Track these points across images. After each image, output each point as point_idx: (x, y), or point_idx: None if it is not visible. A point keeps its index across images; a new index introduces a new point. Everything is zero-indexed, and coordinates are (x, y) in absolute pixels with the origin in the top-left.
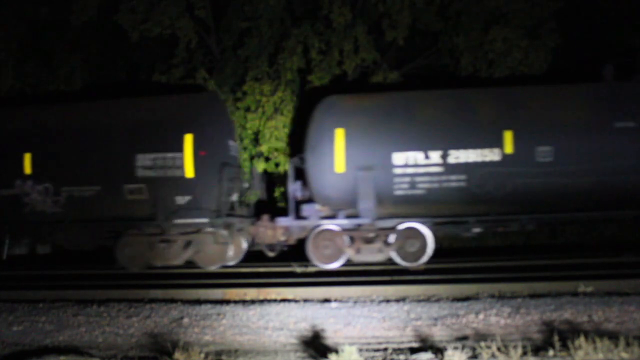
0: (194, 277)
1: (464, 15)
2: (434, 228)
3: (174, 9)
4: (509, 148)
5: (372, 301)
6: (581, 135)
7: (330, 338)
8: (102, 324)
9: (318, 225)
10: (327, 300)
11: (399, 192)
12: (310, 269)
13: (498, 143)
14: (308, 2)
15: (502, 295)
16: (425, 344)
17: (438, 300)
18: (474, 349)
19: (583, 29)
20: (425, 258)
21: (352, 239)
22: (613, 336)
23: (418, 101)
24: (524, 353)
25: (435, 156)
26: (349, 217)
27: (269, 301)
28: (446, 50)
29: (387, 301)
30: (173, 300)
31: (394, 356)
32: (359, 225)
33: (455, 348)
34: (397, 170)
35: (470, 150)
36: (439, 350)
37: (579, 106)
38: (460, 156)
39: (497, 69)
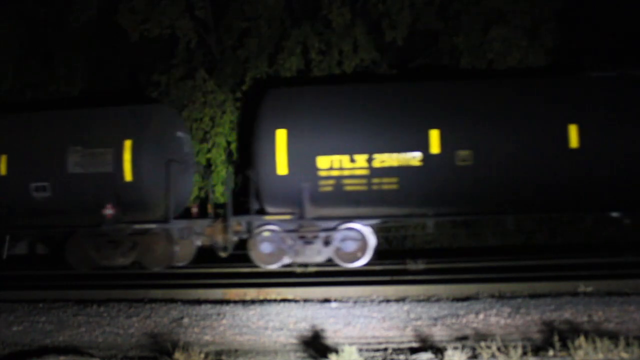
0: (194, 277)
1: (463, 15)
2: None
3: (174, 9)
4: None
5: (372, 301)
6: None
7: (330, 338)
8: (102, 324)
9: None
10: (327, 300)
11: None
12: (310, 269)
13: None
14: (308, 2)
15: (502, 295)
16: (425, 344)
17: (438, 300)
18: (474, 349)
19: (582, 28)
20: None
21: None
22: (613, 336)
23: None
24: (524, 353)
25: None
26: None
27: (269, 301)
28: (446, 50)
29: (387, 301)
30: (173, 300)
31: (394, 356)
32: None
33: (455, 348)
34: None
35: None
36: (439, 350)
37: None
38: None
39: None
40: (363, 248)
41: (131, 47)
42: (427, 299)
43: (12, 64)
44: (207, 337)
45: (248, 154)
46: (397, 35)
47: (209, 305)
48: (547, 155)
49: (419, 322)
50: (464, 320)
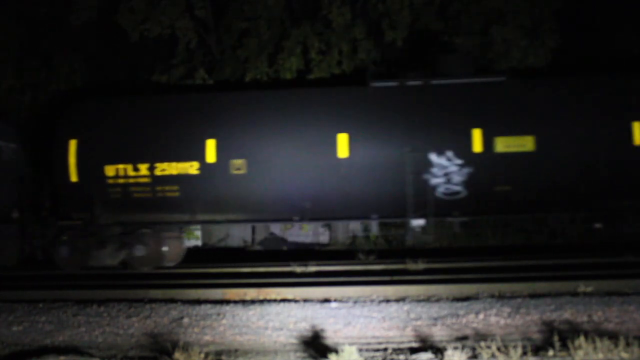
0: (194, 277)
1: (464, 15)
2: None
3: (174, 9)
4: None
5: (372, 301)
6: None
7: (330, 338)
8: (102, 324)
9: None
10: (327, 300)
11: None
12: (310, 269)
13: None
14: (308, 2)
15: (502, 295)
16: (425, 344)
17: (438, 300)
18: (474, 349)
19: (583, 28)
20: None
21: None
22: (613, 336)
23: None
24: (524, 353)
25: None
26: None
27: (269, 301)
28: (446, 50)
29: (387, 301)
30: (173, 300)
31: (394, 356)
32: None
33: (455, 348)
34: None
35: None
36: (439, 350)
37: None
38: None
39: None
40: (155, 252)
41: (131, 47)
42: (427, 299)
43: (12, 64)
44: (207, 337)
45: (48, 162)
46: (397, 36)
47: (208, 305)
48: (319, 165)
49: (419, 322)
50: (464, 320)
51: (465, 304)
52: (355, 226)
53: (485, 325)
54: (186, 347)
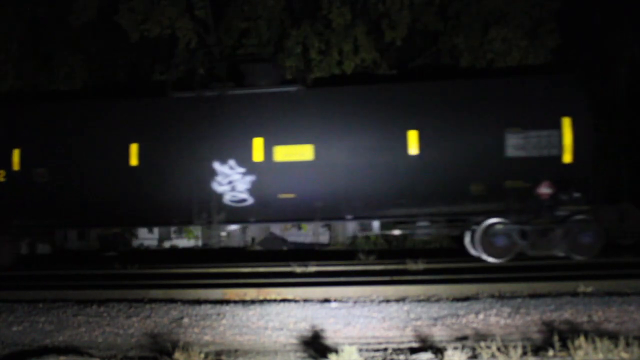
0: (194, 277)
1: (463, 15)
2: None
3: (174, 9)
4: None
5: (372, 301)
6: None
7: (330, 338)
8: (102, 324)
9: None
10: (327, 300)
11: None
12: (310, 269)
13: None
14: (308, 2)
15: (502, 295)
16: (425, 344)
17: (438, 300)
18: (474, 349)
19: (582, 28)
20: None
21: None
22: (613, 336)
23: None
24: (524, 353)
25: None
26: None
27: (269, 301)
28: (446, 50)
29: (387, 301)
30: (173, 300)
31: (394, 356)
32: None
33: (455, 348)
34: None
35: None
36: (439, 350)
37: None
38: None
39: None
40: None
41: (131, 47)
42: (427, 299)
43: (12, 64)
44: (207, 337)
45: None
46: (396, 36)
47: (208, 305)
48: (113, 173)
49: (418, 322)
50: (464, 320)
51: (465, 304)
52: (355, 227)
53: (485, 325)
54: (186, 347)
